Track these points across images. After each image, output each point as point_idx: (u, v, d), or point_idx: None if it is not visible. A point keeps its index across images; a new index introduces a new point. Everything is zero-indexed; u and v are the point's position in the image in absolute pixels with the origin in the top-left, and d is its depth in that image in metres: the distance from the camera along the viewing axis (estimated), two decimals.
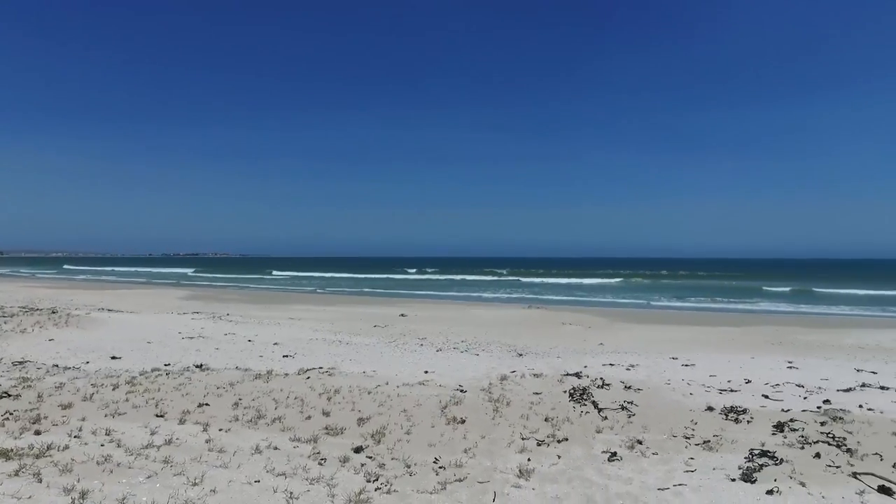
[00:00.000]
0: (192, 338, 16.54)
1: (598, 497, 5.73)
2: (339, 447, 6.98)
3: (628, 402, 9.32)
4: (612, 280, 66.14)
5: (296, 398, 9.26)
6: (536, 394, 9.96)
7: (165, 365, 11.99)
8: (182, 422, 7.75)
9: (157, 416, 8.00)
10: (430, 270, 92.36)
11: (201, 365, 11.96)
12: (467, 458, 6.77)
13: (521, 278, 71.76)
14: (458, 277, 74.54)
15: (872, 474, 6.24)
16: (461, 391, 10.06)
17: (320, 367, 12.08)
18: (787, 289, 49.37)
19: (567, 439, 7.55)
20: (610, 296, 45.37)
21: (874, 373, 12.54)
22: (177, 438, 6.95)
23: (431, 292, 49.13)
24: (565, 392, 10.01)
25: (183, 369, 11.45)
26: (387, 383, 10.62)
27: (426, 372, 11.95)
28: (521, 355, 14.90)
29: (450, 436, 7.63)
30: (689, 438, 7.62)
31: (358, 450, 6.90)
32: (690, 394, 10.12)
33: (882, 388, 10.83)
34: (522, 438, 7.55)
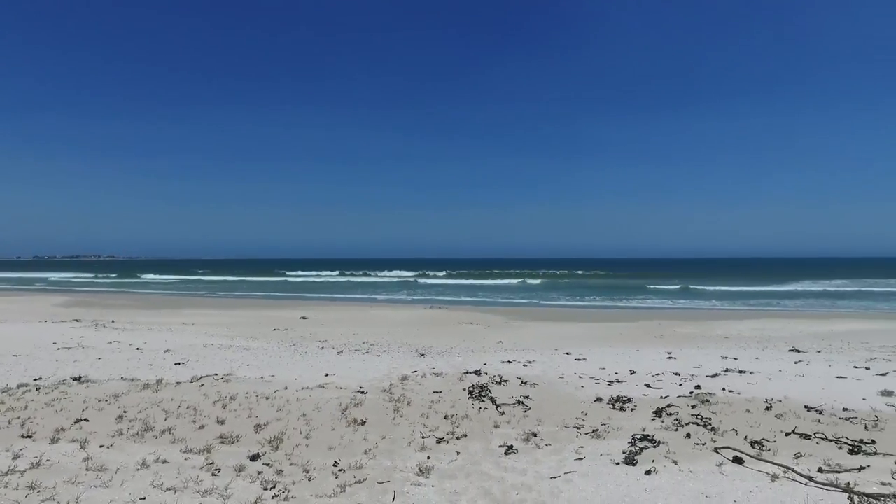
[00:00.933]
0: (69, 348, 15.19)
1: (494, 489, 5.96)
2: (234, 456, 6.74)
3: (524, 397, 9.75)
4: (513, 280, 68.33)
5: (188, 407, 8.81)
6: (437, 392, 10.16)
7: (35, 379, 10.92)
8: (54, 441, 7.11)
9: (23, 437, 7.27)
10: (326, 273, 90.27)
11: (80, 377, 11.03)
12: (367, 459, 6.79)
13: (424, 280, 72.37)
14: (359, 280, 73.87)
15: (729, 447, 7.00)
16: (362, 392, 10.05)
17: (215, 374, 11.57)
18: (670, 287, 53.44)
19: (466, 435, 7.77)
20: (510, 295, 46.97)
21: (735, 359, 13.99)
22: (47, 460, 6.37)
23: (334, 295, 48.33)
24: (465, 390, 10.29)
25: (58, 383, 10.50)
26: (286, 388, 10.37)
27: (327, 374, 11.80)
28: (422, 355, 15.09)
29: (350, 438, 7.61)
30: (579, 428, 8.09)
31: (254, 457, 6.70)
32: (582, 386, 10.76)
33: (741, 371, 12.12)
34: (422, 437, 7.68)
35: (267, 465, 6.50)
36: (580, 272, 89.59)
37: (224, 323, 23.58)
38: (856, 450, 6.96)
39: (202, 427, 7.89)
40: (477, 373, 11.95)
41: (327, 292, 51.85)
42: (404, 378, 11.41)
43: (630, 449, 7.09)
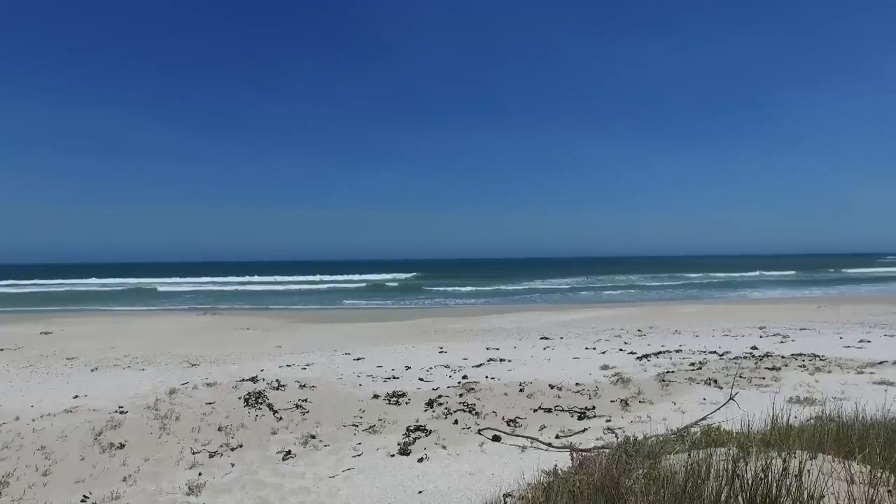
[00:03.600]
0: None
1: (272, 497, 5.91)
2: None
3: (303, 401, 9.73)
4: (301, 285, 66.09)
5: None
6: (209, 404, 9.59)
7: None
8: None
9: None
10: (67, 282, 76.94)
11: None
12: (126, 486, 6.18)
13: (200, 287, 66.15)
14: (119, 288, 64.98)
15: (490, 428, 7.96)
16: (121, 413, 9.01)
17: None
18: (449, 288, 57.17)
19: (242, 446, 7.52)
20: (292, 299, 45.76)
21: (497, 349, 15.75)
22: None
23: (88, 307, 41.58)
24: (240, 398, 9.89)
25: None
26: (17, 418, 8.80)
27: (76, 396, 10.30)
28: (194, 365, 14.02)
29: (105, 465, 6.81)
30: (357, 426, 8.39)
31: None
32: (360, 385, 11.10)
33: (501, 360, 13.71)
34: (193, 453, 7.22)
35: None
36: (373, 276, 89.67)
37: None
38: (582, 416, 8.47)
39: None
40: (253, 379, 11.54)
41: (84, 302, 44.39)
42: (173, 391, 10.51)
43: (405, 440, 7.60)
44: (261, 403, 9.53)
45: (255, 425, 8.43)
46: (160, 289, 59.31)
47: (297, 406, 9.39)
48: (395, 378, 11.73)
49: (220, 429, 8.21)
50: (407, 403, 9.58)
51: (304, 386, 10.89)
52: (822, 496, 2.63)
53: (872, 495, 2.61)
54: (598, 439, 7.23)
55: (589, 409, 8.76)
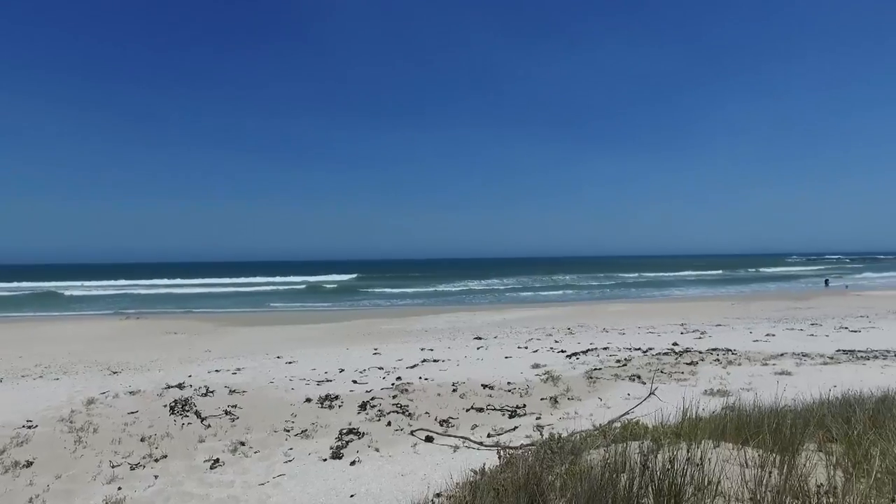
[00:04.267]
0: None
1: None
2: None
3: (232, 406, 9.47)
4: (231, 288, 63.75)
5: None
6: (132, 413, 9.16)
7: None
8: None
9: None
10: None
11: None
12: None
13: (123, 290, 62.57)
14: (21, 293, 60.50)
15: (423, 429, 8.02)
16: (29, 427, 8.45)
17: None
18: (381, 289, 56.91)
19: (166, 456, 7.24)
20: (224, 302, 44.20)
21: (432, 349, 15.85)
22: None
23: None
24: (166, 406, 9.51)
25: None
26: None
27: None
28: (115, 373, 13.33)
29: (7, 487, 6.35)
30: (288, 431, 8.25)
31: None
32: (292, 389, 10.91)
33: (435, 360, 13.83)
34: (113, 466, 6.89)
35: None
36: (311, 278, 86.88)
37: None
38: (513, 414, 8.68)
39: None
40: (180, 386, 11.11)
41: None
42: (90, 401, 9.96)
43: (337, 444, 7.54)
44: (188, 411, 9.20)
45: (181, 434, 8.13)
46: (70, 293, 54.74)
47: (227, 412, 9.13)
48: (328, 381, 11.60)
49: (142, 439, 7.87)
50: (340, 406, 9.50)
51: (233, 391, 10.59)
52: (720, 481, 2.87)
53: (761, 476, 2.87)
54: (527, 437, 7.43)
55: (520, 408, 9.00)
